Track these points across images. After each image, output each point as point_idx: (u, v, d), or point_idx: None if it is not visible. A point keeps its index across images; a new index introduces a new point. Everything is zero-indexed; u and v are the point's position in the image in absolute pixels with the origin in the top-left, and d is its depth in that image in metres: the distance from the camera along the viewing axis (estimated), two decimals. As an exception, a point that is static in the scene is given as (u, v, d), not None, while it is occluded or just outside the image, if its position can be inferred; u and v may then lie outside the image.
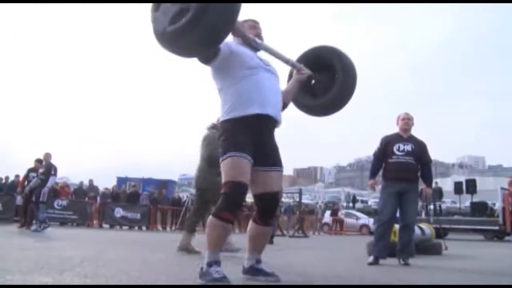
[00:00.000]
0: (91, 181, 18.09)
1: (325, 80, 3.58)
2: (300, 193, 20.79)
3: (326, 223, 23.74)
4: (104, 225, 15.77)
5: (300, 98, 3.58)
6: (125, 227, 15.66)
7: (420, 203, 13.17)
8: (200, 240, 4.63)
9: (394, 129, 5.54)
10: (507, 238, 16.22)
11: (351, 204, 36.42)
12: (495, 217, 16.41)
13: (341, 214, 25.07)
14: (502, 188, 16.45)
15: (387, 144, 5.40)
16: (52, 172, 10.09)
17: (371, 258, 5.13)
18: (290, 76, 3.53)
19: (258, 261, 3.05)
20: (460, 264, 5.59)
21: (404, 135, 5.39)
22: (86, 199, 16.65)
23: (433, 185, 7.34)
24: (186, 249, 5.57)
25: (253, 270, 3.03)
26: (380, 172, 5.52)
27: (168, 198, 18.46)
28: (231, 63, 2.91)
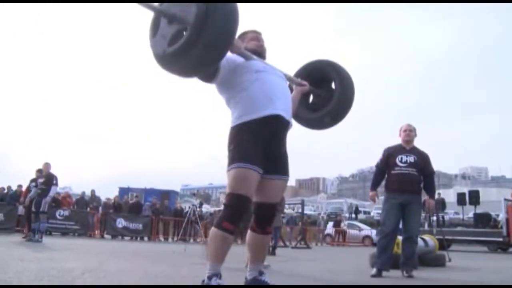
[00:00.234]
0: (93, 191, 18.07)
1: (323, 94, 3.61)
2: (303, 204, 20.72)
3: (328, 234, 23.62)
4: (106, 236, 15.73)
5: (299, 112, 3.58)
6: (126, 238, 15.62)
7: (423, 215, 13.10)
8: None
9: (396, 140, 5.53)
10: (511, 249, 16.11)
11: (353, 215, 36.28)
12: (498, 228, 16.28)
13: (343, 225, 24.95)
14: (506, 199, 16.36)
15: (389, 155, 5.38)
16: (54, 182, 10.09)
17: (374, 271, 5.09)
18: (290, 90, 3.53)
19: (261, 273, 3.01)
20: (464, 276, 5.54)
21: (407, 147, 5.37)
22: (88, 209, 16.62)
23: (436, 196, 7.31)
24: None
25: (256, 282, 2.99)
26: (382, 184, 5.50)
27: (170, 209, 18.42)
28: (236, 72, 2.90)
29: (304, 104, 3.61)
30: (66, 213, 15.15)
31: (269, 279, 3.04)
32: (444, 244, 9.94)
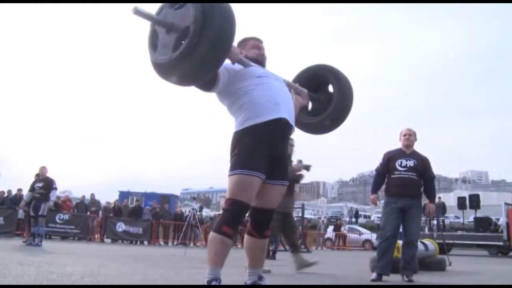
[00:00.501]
0: (92, 195, 18.05)
1: (322, 98, 3.62)
2: (303, 208, 20.71)
3: (329, 238, 23.58)
4: (106, 240, 15.71)
5: (300, 117, 3.59)
6: (126, 242, 15.60)
7: (423, 219, 13.08)
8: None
9: (397, 144, 5.52)
10: (511, 253, 16.09)
11: (354, 219, 36.27)
12: (499, 232, 16.28)
13: (344, 229, 24.92)
14: (506, 203, 16.36)
15: (389, 159, 5.38)
16: (54, 186, 10.08)
17: (374, 275, 5.08)
18: None
19: (260, 278, 3.00)
20: (464, 280, 5.53)
21: (407, 151, 5.37)
22: (88, 213, 16.61)
23: (436, 200, 7.30)
24: (303, 265, 5.83)
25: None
26: (382, 188, 5.49)
27: (170, 213, 18.40)
28: (237, 78, 2.90)
29: (304, 110, 3.62)
30: (66, 217, 15.14)
31: (269, 283, 3.04)
32: (444, 248, 9.95)
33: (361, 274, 5.90)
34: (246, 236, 3.01)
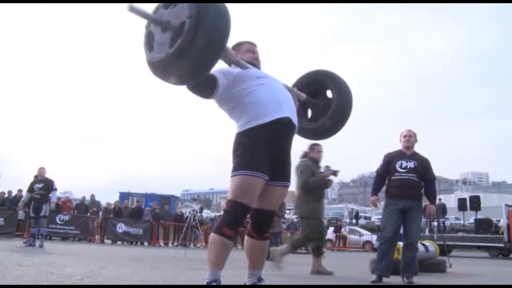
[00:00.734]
0: (92, 196, 18.06)
1: (321, 104, 3.63)
2: (303, 209, 20.62)
3: (329, 240, 23.54)
4: (106, 241, 15.71)
5: (300, 123, 3.58)
6: (126, 243, 15.60)
7: (423, 220, 13.07)
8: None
9: (397, 145, 5.52)
10: (512, 255, 16.08)
11: (354, 221, 36.24)
12: (499, 234, 16.27)
13: (344, 230, 24.89)
14: (507, 205, 16.35)
15: (389, 161, 5.37)
16: (54, 187, 10.08)
17: (374, 277, 5.07)
18: None
19: (260, 279, 2.99)
20: (465, 282, 5.53)
21: (407, 152, 5.36)
22: (88, 214, 16.61)
23: (437, 201, 7.29)
24: (319, 271, 5.85)
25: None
26: (383, 189, 5.49)
27: (170, 214, 18.41)
28: (236, 81, 2.89)
29: (304, 117, 3.64)
30: (66, 218, 15.17)
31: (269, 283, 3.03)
32: (445, 250, 9.93)
33: (361, 275, 5.89)
34: (246, 237, 2.99)
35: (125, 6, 2.48)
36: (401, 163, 5.26)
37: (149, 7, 2.71)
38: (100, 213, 17.20)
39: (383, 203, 5.56)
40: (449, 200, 36.61)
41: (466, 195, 26.47)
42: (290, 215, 23.23)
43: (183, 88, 2.81)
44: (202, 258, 4.37)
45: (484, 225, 17.35)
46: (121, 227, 15.72)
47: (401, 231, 5.29)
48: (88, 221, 15.91)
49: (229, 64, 2.90)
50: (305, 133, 3.69)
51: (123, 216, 16.59)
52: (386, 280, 5.04)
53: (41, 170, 10.14)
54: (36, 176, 10.32)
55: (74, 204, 17.81)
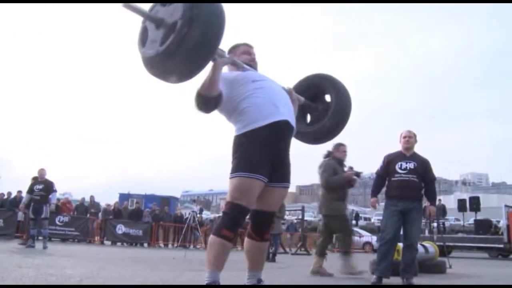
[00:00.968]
0: (92, 197, 18.04)
1: (320, 108, 3.63)
2: (303, 211, 20.69)
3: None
4: (106, 242, 15.70)
5: (301, 128, 3.59)
6: (126, 244, 15.59)
7: (423, 221, 13.08)
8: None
9: (397, 146, 5.51)
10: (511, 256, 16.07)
11: (354, 222, 36.20)
12: (499, 235, 16.27)
13: (344, 231, 24.85)
14: (507, 206, 16.35)
15: (389, 162, 5.36)
16: (54, 189, 10.08)
17: (374, 278, 5.06)
18: None
19: (259, 281, 2.99)
20: (465, 283, 5.52)
21: (407, 153, 5.35)
22: (88, 215, 16.60)
23: (437, 202, 7.30)
24: (319, 272, 5.85)
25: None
26: (383, 190, 5.48)
27: (170, 215, 18.40)
28: (233, 86, 2.89)
29: (303, 121, 3.65)
30: (66, 219, 15.15)
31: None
32: (444, 251, 9.92)
33: (361, 276, 5.88)
34: (246, 239, 2.99)
35: (120, 4, 2.51)
36: (401, 164, 5.25)
37: (148, 6, 2.74)
38: (100, 214, 17.19)
39: (382, 204, 5.56)
40: (449, 201, 36.63)
41: (465, 196, 26.45)
42: (290, 216, 23.23)
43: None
44: (202, 260, 4.37)
45: (484, 226, 17.35)
46: (120, 228, 15.71)
47: (401, 232, 5.28)
48: (88, 222, 15.90)
49: (227, 64, 2.91)
50: (304, 137, 3.69)
51: (122, 217, 16.59)
52: (386, 281, 5.04)
53: (41, 171, 10.12)
54: (35, 178, 10.30)
55: (73, 205, 17.80)
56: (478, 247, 17.52)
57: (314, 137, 3.69)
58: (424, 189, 5.33)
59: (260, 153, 2.79)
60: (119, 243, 15.61)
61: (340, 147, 6.29)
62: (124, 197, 26.79)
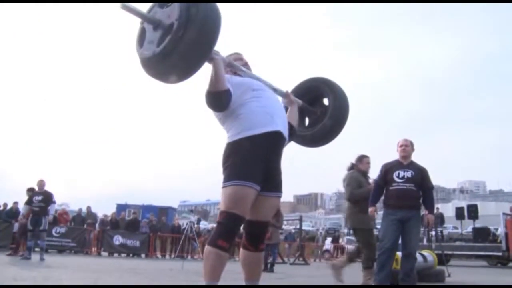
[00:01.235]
0: (89, 207, 17.92)
1: (318, 112, 3.63)
2: (301, 220, 20.64)
3: (327, 250, 23.45)
4: (103, 253, 15.59)
5: (300, 131, 3.59)
6: (123, 255, 15.49)
7: (422, 229, 13.04)
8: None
9: (395, 155, 5.50)
10: (510, 264, 16.03)
11: (352, 231, 36.12)
12: (498, 242, 16.24)
13: (342, 240, 24.82)
14: (504, 213, 16.34)
15: (387, 171, 5.35)
16: (53, 200, 10.01)
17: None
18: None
19: (257, 292, 2.96)
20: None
21: (404, 162, 5.35)
22: (85, 226, 16.49)
23: (434, 210, 7.27)
24: (336, 270, 6.02)
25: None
26: (381, 199, 5.46)
27: (167, 225, 18.29)
28: (234, 92, 2.88)
29: (301, 124, 3.65)
30: (63, 230, 15.03)
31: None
32: (443, 259, 9.88)
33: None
34: (241, 250, 2.96)
35: (118, 5, 2.52)
36: (399, 173, 5.24)
37: (145, 8, 2.76)
38: (97, 225, 17.07)
39: (380, 213, 5.53)
40: (447, 209, 36.51)
41: (463, 204, 26.42)
42: (288, 226, 23.17)
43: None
44: (199, 271, 4.33)
45: (482, 234, 17.30)
46: (118, 239, 15.60)
47: (400, 241, 5.26)
48: (85, 233, 15.79)
49: (224, 65, 2.92)
50: (302, 139, 3.68)
51: (120, 228, 16.47)
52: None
53: (41, 182, 10.05)
54: (31, 189, 10.23)
55: (70, 216, 17.69)
56: (477, 255, 17.48)
57: (312, 139, 3.68)
58: (422, 198, 5.32)
59: (253, 161, 2.76)
60: (116, 254, 15.50)
61: (363, 159, 6.22)
62: (121, 207, 26.63)
